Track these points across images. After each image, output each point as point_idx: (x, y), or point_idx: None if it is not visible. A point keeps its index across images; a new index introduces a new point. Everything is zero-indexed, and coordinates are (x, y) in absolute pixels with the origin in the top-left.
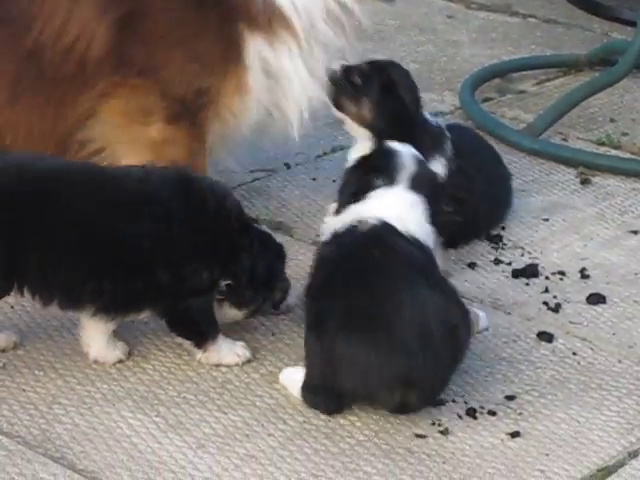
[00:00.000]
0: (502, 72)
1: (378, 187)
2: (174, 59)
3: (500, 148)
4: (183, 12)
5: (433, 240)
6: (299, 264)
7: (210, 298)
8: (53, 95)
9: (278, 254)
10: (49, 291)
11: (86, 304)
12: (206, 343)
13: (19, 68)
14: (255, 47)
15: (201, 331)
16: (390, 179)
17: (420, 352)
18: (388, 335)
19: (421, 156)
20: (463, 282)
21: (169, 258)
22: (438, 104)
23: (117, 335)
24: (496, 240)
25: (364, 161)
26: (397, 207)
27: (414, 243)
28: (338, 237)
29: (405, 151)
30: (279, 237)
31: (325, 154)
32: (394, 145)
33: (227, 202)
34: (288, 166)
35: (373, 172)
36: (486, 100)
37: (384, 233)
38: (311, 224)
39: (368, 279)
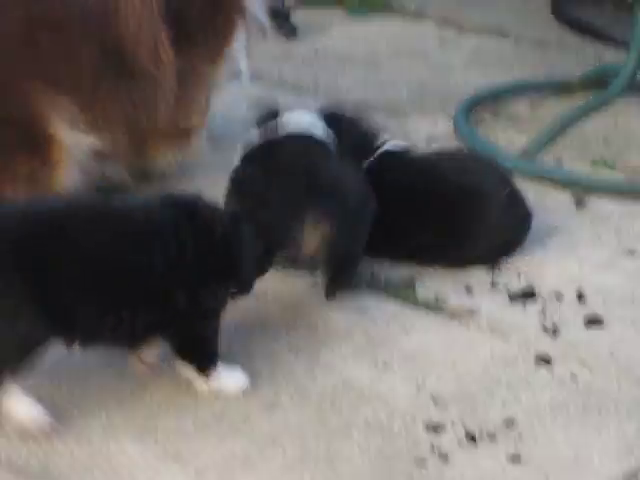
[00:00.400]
0: (495, 95)
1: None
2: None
3: None
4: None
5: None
6: (294, 291)
7: (219, 318)
8: (128, 87)
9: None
10: (96, 333)
11: (107, 339)
12: (210, 368)
13: (102, 58)
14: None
15: (207, 354)
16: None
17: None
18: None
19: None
20: (459, 305)
21: (187, 283)
22: (432, 128)
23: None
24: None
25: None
26: (305, 119)
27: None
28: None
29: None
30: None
31: None
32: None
33: (223, 217)
34: None
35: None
36: (480, 123)
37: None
38: None
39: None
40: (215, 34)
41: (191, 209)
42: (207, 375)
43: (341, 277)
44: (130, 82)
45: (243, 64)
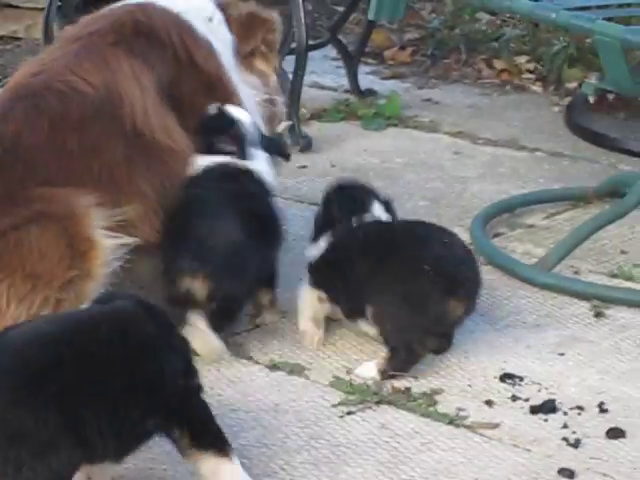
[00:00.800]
0: (511, 207)
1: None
2: None
3: (513, 283)
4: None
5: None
6: (315, 406)
7: None
8: (155, 165)
9: None
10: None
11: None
12: (229, 449)
13: (128, 146)
14: None
15: (220, 433)
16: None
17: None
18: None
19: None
20: (480, 419)
21: (180, 370)
22: None
23: None
24: (512, 377)
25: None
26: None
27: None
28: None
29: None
30: (294, 379)
31: None
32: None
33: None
34: None
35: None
36: (497, 235)
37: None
38: (326, 366)
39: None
40: None
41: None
42: (230, 457)
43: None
44: (156, 159)
45: None
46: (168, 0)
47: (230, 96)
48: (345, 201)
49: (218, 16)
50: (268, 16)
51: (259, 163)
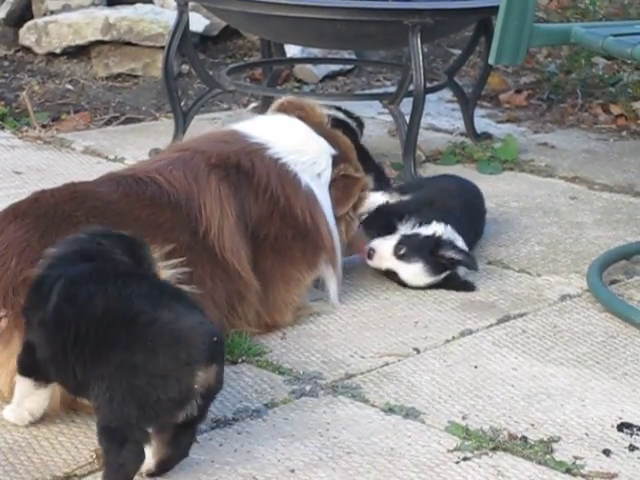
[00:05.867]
0: (629, 254)
1: None
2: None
3: (630, 331)
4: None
5: None
6: (430, 451)
7: None
8: (218, 276)
9: None
10: None
11: None
12: None
13: (195, 248)
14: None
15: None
16: None
17: None
18: None
19: None
20: (598, 469)
21: None
22: (565, 287)
23: None
24: (630, 426)
25: None
26: None
27: None
28: None
29: None
30: (409, 423)
31: (454, 338)
32: None
33: None
34: (418, 351)
35: None
36: (613, 282)
37: None
38: (442, 410)
39: None
40: (300, 254)
41: None
42: None
43: None
44: (219, 272)
45: (332, 289)
46: (281, 146)
47: (324, 246)
48: None
49: (326, 176)
50: (361, 177)
51: None
